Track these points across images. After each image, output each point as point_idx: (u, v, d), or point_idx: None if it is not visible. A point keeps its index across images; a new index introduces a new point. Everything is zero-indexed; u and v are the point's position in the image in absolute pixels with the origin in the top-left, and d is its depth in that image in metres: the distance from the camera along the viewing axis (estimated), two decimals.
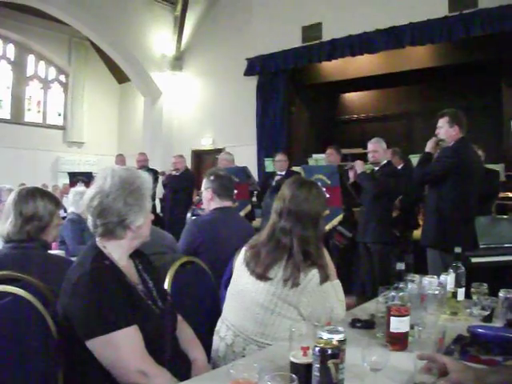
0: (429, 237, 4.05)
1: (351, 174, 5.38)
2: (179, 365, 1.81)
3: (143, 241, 1.84)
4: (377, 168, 5.04)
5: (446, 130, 3.99)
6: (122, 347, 1.53)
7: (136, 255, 1.87)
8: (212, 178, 3.26)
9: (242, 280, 2.15)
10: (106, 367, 1.55)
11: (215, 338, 2.17)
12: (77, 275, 1.62)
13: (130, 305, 1.62)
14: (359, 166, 5.09)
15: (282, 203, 2.14)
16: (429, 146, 4.14)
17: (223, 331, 2.13)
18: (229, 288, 2.26)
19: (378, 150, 4.99)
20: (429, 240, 4.05)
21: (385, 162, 5.03)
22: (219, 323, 2.20)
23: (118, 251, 1.75)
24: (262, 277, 2.04)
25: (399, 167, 5.83)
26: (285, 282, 1.99)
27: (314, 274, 2.02)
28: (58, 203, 2.36)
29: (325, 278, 2.05)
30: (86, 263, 1.66)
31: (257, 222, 6.25)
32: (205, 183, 3.29)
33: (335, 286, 2.17)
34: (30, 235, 2.19)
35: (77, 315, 1.58)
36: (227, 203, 3.27)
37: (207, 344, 2.19)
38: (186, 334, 1.97)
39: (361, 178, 5.02)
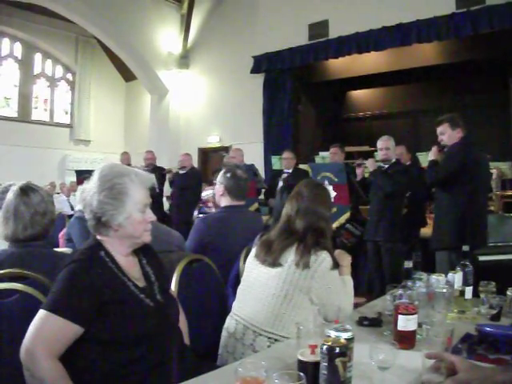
0: (445, 240, 3.95)
1: (359, 172, 5.36)
2: (185, 358, 1.83)
3: (140, 241, 1.79)
4: (386, 166, 5.00)
5: (449, 135, 3.99)
6: (44, 328, 1.53)
7: (141, 249, 1.85)
8: (228, 175, 3.23)
9: (253, 273, 2.20)
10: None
11: (224, 334, 2.18)
12: (70, 258, 1.67)
13: (114, 299, 1.61)
14: (371, 164, 5.06)
15: (301, 201, 2.22)
16: (432, 155, 4.14)
17: (232, 326, 2.15)
18: (240, 286, 2.29)
19: (389, 147, 4.95)
20: (445, 242, 3.94)
21: (394, 160, 5.01)
22: (228, 319, 2.22)
23: (112, 248, 1.74)
24: (274, 264, 2.10)
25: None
26: (296, 265, 2.04)
27: (324, 257, 2.06)
28: (49, 193, 2.38)
29: (335, 265, 2.11)
30: (81, 250, 1.72)
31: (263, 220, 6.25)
32: (219, 177, 3.27)
33: (346, 280, 2.21)
34: (46, 230, 2.21)
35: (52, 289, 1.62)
36: (238, 202, 3.26)
37: (214, 341, 2.20)
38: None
39: (376, 176, 4.98)
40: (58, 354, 1.54)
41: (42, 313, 1.55)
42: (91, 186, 1.73)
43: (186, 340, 2.00)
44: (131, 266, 1.78)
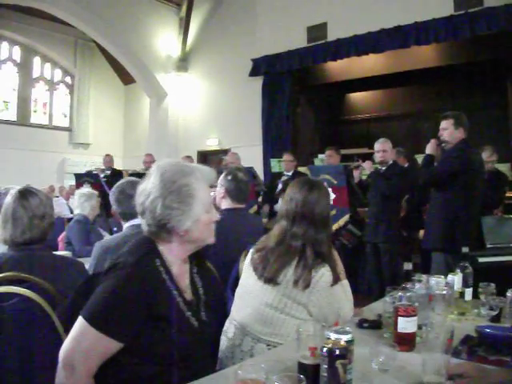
0: (436, 240, 3.99)
1: (356, 174, 5.37)
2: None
3: (202, 244, 1.67)
4: (384, 168, 5.02)
5: (451, 132, 4.01)
6: (84, 343, 1.44)
7: (194, 256, 1.72)
8: (229, 177, 3.20)
9: (249, 281, 2.15)
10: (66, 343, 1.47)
11: (223, 339, 2.16)
12: (120, 260, 1.53)
13: (160, 315, 1.51)
14: (368, 166, 5.10)
15: (295, 208, 2.09)
16: (430, 148, 4.15)
17: (231, 331, 2.13)
18: (237, 289, 2.26)
19: (386, 149, 5.00)
20: (436, 243, 3.99)
21: (391, 162, 5.03)
22: (227, 324, 2.20)
23: (169, 255, 1.60)
24: (271, 281, 2.03)
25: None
26: (295, 283, 1.98)
27: (323, 272, 2.01)
28: (48, 196, 2.37)
29: (335, 280, 2.04)
30: (136, 254, 1.55)
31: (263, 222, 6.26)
32: (221, 180, 3.24)
33: (344, 285, 2.17)
34: (44, 233, 2.19)
35: (94, 294, 1.50)
36: (239, 205, 3.24)
37: (214, 345, 2.19)
38: None
39: (374, 178, 5.01)
40: (95, 371, 1.46)
41: (82, 323, 1.45)
42: (149, 189, 1.57)
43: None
44: (182, 274, 1.66)
